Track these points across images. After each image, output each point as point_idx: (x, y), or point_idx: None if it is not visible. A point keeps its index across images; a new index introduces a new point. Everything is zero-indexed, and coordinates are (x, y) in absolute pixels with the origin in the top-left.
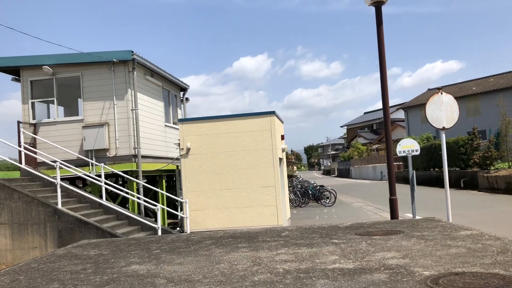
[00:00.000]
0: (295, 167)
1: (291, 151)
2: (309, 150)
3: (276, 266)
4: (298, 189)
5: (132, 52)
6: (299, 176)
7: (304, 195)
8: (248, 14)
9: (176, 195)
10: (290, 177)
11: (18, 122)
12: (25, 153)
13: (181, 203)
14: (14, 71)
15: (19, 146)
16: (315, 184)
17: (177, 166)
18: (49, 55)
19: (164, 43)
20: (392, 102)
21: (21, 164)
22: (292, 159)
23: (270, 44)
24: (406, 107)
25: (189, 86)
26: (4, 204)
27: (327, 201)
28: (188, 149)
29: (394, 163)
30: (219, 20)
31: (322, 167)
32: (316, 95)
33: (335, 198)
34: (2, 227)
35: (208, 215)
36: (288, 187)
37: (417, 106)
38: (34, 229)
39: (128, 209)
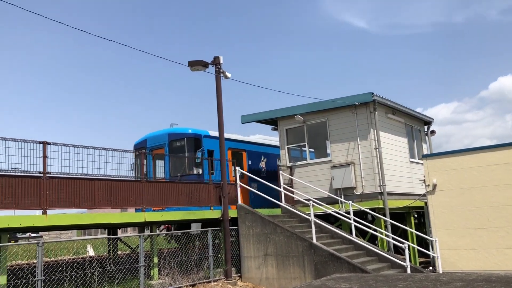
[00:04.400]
0: None
1: None
2: None
3: None
4: None
5: (373, 93)
6: None
7: None
8: (505, 28)
9: (426, 233)
10: None
11: (278, 166)
12: (284, 193)
13: (432, 241)
14: (273, 122)
15: (279, 186)
16: None
17: (425, 203)
18: (299, 105)
19: (407, 75)
20: None
21: (281, 202)
22: None
23: None
24: None
25: (433, 119)
26: (270, 238)
27: None
28: (435, 185)
29: None
30: (469, 40)
31: None
32: None
33: None
34: (269, 257)
35: (461, 255)
36: None
37: None
38: (294, 261)
39: (377, 246)
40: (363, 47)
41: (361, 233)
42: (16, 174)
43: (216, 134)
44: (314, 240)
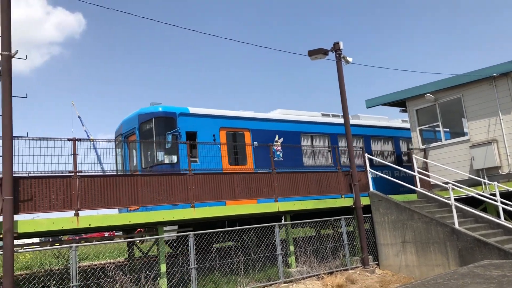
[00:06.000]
0: None
1: None
2: None
3: None
4: None
5: None
6: None
7: None
8: None
9: None
10: None
11: (410, 149)
12: (419, 177)
13: None
14: (400, 103)
15: (413, 170)
16: None
17: None
18: (429, 83)
19: None
20: None
21: (416, 187)
22: None
23: None
24: None
25: None
26: (407, 224)
27: None
28: None
29: None
30: None
31: None
32: None
33: None
34: (408, 245)
35: None
36: None
37: None
38: (435, 248)
39: None
40: (499, 11)
41: (510, 216)
42: (167, 173)
43: (201, 111)
44: (456, 225)
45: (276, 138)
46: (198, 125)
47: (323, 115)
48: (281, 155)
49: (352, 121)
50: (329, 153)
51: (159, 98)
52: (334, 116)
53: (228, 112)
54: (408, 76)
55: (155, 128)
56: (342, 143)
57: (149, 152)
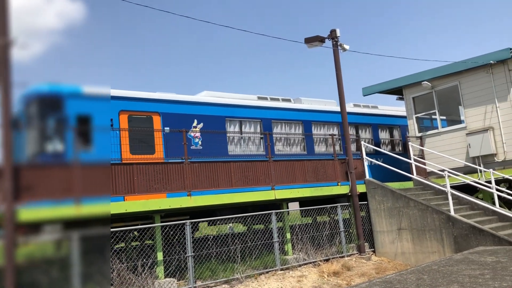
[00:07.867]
0: None
1: None
2: None
3: None
4: None
5: (511, 49)
6: None
7: None
8: None
9: None
10: None
11: (406, 137)
12: (415, 165)
13: None
14: (397, 91)
15: (409, 158)
16: None
17: None
18: (426, 71)
19: None
20: None
21: (412, 174)
22: None
23: None
24: None
25: None
26: (403, 212)
27: None
28: None
29: None
30: None
31: None
32: None
33: None
34: (404, 232)
35: None
36: None
37: None
38: (431, 235)
39: None
40: None
41: (505, 204)
42: (164, 161)
43: (97, 91)
44: (452, 213)
45: (195, 124)
46: (93, 108)
47: (260, 98)
48: (199, 142)
49: (295, 106)
50: (260, 140)
51: (165, 84)
52: (272, 99)
53: (132, 93)
54: (405, 65)
55: (37, 111)
56: (278, 129)
57: (32, 140)
